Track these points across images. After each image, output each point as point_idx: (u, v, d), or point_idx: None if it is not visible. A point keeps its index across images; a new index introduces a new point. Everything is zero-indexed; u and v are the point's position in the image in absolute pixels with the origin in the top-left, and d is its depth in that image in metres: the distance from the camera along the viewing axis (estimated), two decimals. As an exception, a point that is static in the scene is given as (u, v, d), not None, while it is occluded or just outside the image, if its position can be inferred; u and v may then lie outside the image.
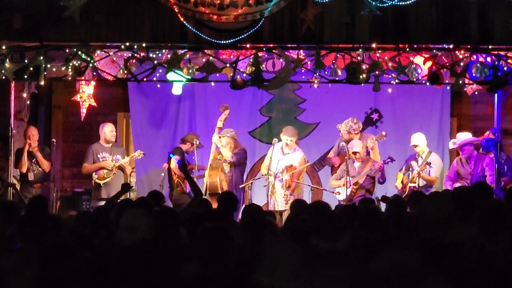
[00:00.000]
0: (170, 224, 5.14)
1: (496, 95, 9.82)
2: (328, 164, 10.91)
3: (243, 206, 8.92)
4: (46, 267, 3.81)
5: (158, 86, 10.60)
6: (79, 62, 9.22)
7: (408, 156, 10.55)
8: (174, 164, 10.47)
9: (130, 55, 9.29)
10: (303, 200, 8.11)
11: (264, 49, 9.24)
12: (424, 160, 10.18)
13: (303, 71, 9.51)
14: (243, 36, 9.02)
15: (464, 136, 10.30)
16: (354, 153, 10.10)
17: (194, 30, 8.99)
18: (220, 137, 10.34)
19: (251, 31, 9.00)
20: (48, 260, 3.83)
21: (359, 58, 9.18)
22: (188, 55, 9.27)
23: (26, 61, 9.17)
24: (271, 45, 9.19)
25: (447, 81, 9.51)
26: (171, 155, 10.33)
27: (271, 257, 3.31)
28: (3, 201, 8.67)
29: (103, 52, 9.57)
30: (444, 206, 4.78)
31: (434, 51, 9.20)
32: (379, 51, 9.17)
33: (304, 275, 3.35)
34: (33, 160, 10.20)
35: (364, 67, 9.09)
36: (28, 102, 10.63)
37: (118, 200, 7.23)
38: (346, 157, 10.14)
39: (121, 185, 8.25)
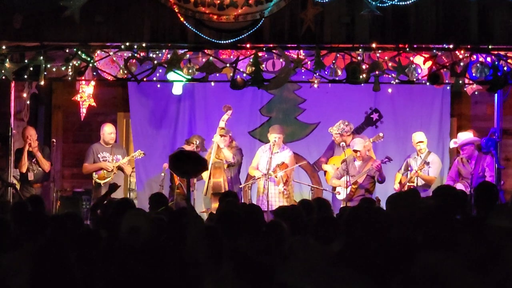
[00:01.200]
0: (179, 225, 5.14)
1: (496, 95, 9.82)
2: (321, 169, 10.90)
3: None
4: (37, 267, 3.81)
5: (158, 86, 10.60)
6: (79, 62, 9.23)
7: (406, 156, 10.55)
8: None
9: (130, 55, 9.29)
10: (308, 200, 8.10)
11: (264, 49, 9.24)
12: (423, 160, 10.19)
13: (303, 71, 9.51)
14: (243, 36, 9.03)
15: (465, 135, 10.30)
16: (355, 151, 10.10)
17: (194, 30, 8.99)
18: (222, 136, 10.31)
19: (251, 31, 9.01)
20: (40, 260, 3.83)
21: (359, 58, 9.18)
22: (188, 55, 9.27)
23: (26, 61, 9.19)
24: (271, 45, 9.19)
25: (447, 81, 9.51)
26: None
27: (298, 258, 3.29)
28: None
29: (103, 52, 9.57)
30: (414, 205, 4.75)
31: (434, 51, 9.20)
32: (379, 51, 9.18)
33: (331, 278, 3.32)
34: (33, 160, 10.20)
35: (364, 67, 9.10)
36: (28, 102, 10.63)
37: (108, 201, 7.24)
38: (345, 157, 10.14)
39: (109, 185, 8.19)
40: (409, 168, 10.27)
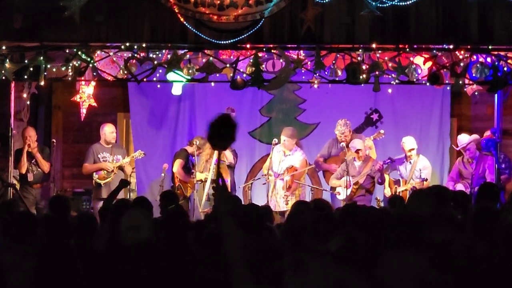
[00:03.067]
0: (179, 224, 5.14)
1: (496, 95, 9.81)
2: (320, 169, 10.84)
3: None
4: (41, 268, 3.81)
5: (158, 86, 10.60)
6: (79, 62, 9.22)
7: (398, 158, 10.52)
8: (176, 167, 10.45)
9: (130, 55, 9.29)
10: (305, 201, 8.11)
11: (264, 49, 9.24)
12: (413, 166, 10.16)
13: (303, 71, 9.51)
14: (243, 36, 9.03)
15: (466, 137, 10.32)
16: (357, 151, 10.08)
17: (194, 30, 8.99)
18: None
19: (251, 31, 9.01)
20: (44, 261, 3.83)
21: (359, 58, 9.18)
22: (188, 55, 9.27)
23: (26, 61, 9.18)
24: (271, 45, 9.19)
25: (447, 82, 9.51)
26: None
27: (308, 270, 3.27)
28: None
29: (103, 52, 9.57)
30: (426, 204, 4.76)
31: (434, 51, 9.20)
32: (379, 51, 9.18)
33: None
34: (32, 161, 10.19)
35: (364, 67, 9.10)
36: (28, 102, 10.63)
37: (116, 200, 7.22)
38: (345, 157, 10.14)
39: (120, 180, 8.10)
40: (399, 173, 10.28)
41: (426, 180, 10.03)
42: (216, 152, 10.10)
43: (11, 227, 5.22)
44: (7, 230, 5.22)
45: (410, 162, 10.26)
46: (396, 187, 10.26)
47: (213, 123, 3.49)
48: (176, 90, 10.67)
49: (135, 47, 9.15)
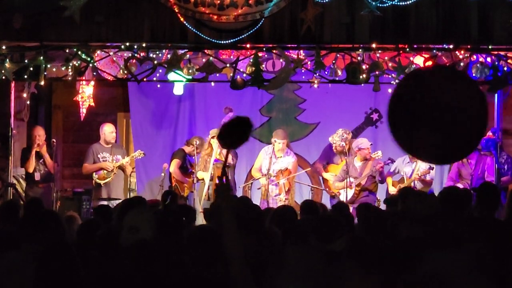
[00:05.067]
0: (173, 223, 5.15)
1: (496, 95, 9.81)
2: (318, 174, 10.82)
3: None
4: (42, 268, 3.81)
5: (158, 86, 10.59)
6: (79, 62, 9.23)
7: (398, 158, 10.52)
8: (173, 168, 10.45)
9: (130, 55, 9.30)
10: (313, 201, 8.10)
11: (264, 49, 9.24)
12: (417, 165, 10.17)
13: (303, 71, 9.51)
14: (243, 36, 9.03)
15: None
16: (360, 149, 10.07)
17: (194, 30, 8.99)
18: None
19: (251, 31, 9.01)
20: (45, 261, 3.83)
21: (359, 58, 9.18)
22: (188, 55, 9.27)
23: (26, 61, 9.18)
24: (271, 45, 9.19)
25: (447, 81, 9.50)
26: None
27: (294, 264, 3.27)
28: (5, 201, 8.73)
29: (103, 52, 9.57)
30: (429, 203, 4.76)
31: (434, 51, 9.20)
32: (379, 51, 9.18)
33: (326, 282, 3.31)
34: (40, 161, 10.19)
35: (364, 67, 9.10)
36: (28, 102, 10.63)
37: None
38: (346, 158, 10.13)
39: None
40: (399, 173, 10.28)
41: (433, 168, 10.05)
42: (215, 152, 10.23)
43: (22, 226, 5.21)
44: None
45: (415, 161, 10.26)
46: (400, 186, 10.24)
47: (229, 123, 3.53)
48: (178, 90, 10.67)
49: (135, 47, 9.15)
